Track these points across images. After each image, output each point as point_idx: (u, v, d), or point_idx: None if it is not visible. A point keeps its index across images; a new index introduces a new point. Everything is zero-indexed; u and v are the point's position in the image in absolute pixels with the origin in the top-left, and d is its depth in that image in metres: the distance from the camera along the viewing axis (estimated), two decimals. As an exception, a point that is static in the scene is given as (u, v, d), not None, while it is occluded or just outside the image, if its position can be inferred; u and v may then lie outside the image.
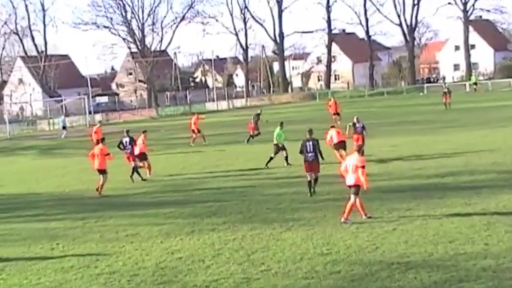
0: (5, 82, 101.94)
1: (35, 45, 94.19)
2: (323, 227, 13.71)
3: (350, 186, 14.12)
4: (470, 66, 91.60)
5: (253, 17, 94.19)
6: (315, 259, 11.42)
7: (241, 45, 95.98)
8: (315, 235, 13.07)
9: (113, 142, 24.35)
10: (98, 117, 68.94)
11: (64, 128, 52.22)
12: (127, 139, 23.05)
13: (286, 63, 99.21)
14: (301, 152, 17.42)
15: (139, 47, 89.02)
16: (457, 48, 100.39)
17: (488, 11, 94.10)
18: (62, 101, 76.52)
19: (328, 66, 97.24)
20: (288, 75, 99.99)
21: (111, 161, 20.68)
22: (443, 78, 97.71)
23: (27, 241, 14.57)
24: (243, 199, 17.72)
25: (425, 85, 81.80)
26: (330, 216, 14.64)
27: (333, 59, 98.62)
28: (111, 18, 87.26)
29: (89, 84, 78.25)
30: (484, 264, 10.47)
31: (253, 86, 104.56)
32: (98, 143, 21.88)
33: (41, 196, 21.55)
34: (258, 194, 18.45)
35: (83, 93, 78.87)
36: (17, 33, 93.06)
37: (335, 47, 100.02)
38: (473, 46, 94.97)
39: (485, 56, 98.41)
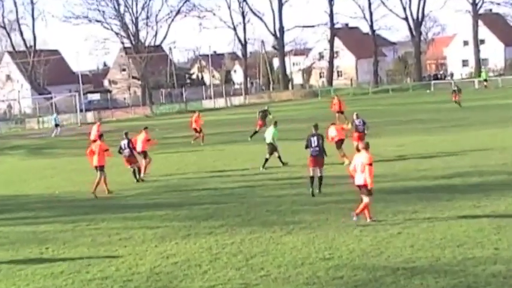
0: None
1: (24, 40, 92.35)
2: (325, 230, 13.59)
3: (359, 187, 14.04)
4: (479, 62, 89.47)
5: (252, 10, 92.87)
6: (316, 264, 11.28)
7: (239, 40, 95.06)
8: (317, 239, 12.93)
9: (106, 141, 24.11)
10: (90, 115, 68.60)
11: (57, 125, 51.92)
12: (125, 141, 22.77)
13: (286, 59, 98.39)
14: (306, 146, 17.79)
15: (133, 42, 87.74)
16: (465, 43, 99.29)
17: (498, 4, 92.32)
18: (51, 98, 75.28)
19: (331, 62, 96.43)
20: (288, 72, 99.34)
21: (109, 159, 20.51)
22: (452, 75, 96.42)
23: (15, 245, 14.36)
24: (242, 201, 17.56)
25: (432, 82, 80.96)
26: (332, 219, 14.52)
27: (335, 55, 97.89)
28: (104, 12, 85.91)
29: (80, 81, 77.07)
30: (494, 269, 10.34)
31: (252, 83, 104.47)
32: (95, 140, 21.70)
33: (30, 198, 21.31)
34: (257, 196, 18.32)
35: (73, 90, 78.61)
36: (4, 27, 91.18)
37: (338, 42, 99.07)
38: (482, 41, 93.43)
39: (495, 52, 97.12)
